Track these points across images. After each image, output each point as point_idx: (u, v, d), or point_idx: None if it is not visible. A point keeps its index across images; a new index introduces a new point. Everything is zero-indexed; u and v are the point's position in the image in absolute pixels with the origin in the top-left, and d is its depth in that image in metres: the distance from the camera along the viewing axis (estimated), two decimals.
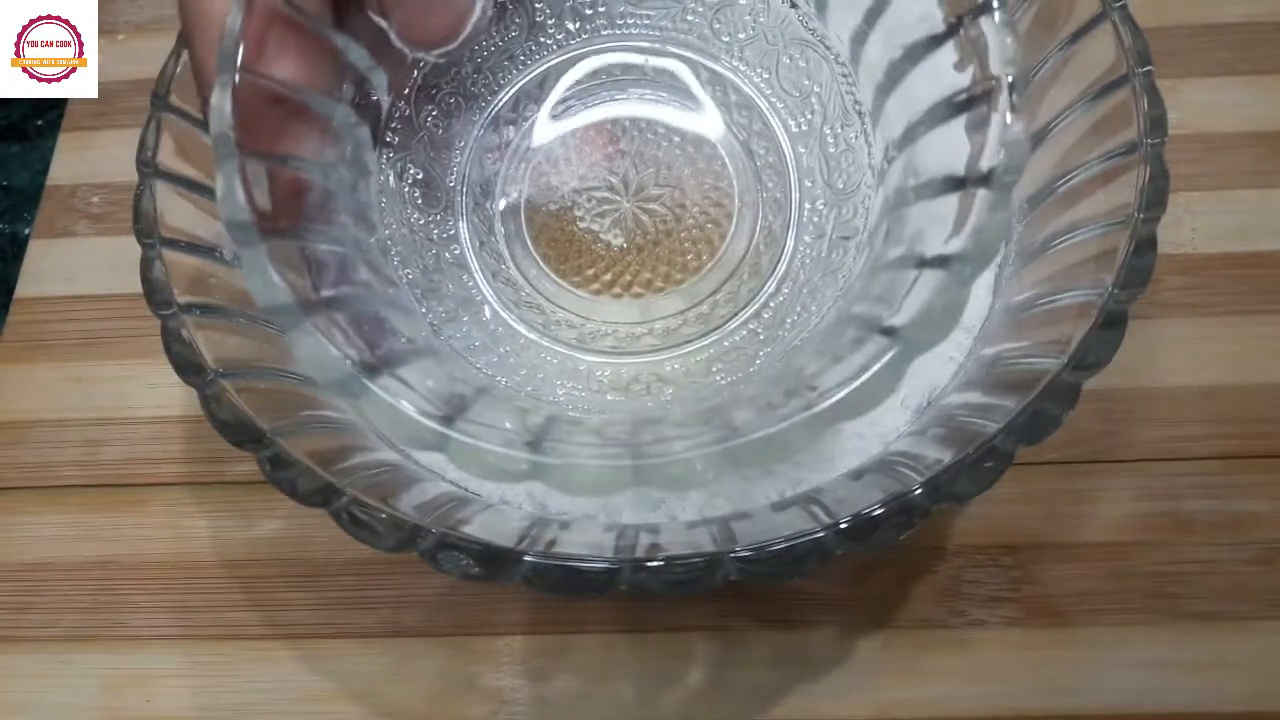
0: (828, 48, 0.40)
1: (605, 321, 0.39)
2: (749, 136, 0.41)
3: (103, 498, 0.45)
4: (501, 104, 0.41)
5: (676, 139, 0.41)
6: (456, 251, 0.40)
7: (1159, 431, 0.43)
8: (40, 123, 0.56)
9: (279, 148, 0.31)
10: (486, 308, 0.39)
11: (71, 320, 0.49)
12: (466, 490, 0.37)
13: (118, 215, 0.51)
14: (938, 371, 0.38)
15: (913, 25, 0.34)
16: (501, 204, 0.41)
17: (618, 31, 0.42)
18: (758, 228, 0.40)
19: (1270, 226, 0.47)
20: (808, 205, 0.39)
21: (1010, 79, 0.29)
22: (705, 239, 0.40)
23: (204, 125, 0.38)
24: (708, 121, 0.41)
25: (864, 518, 0.29)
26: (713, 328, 0.39)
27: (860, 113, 0.38)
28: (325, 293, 0.31)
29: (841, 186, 0.38)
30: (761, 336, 0.38)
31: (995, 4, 0.30)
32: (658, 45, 0.42)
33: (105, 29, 0.53)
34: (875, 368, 0.27)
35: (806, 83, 0.40)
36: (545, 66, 0.42)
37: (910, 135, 0.35)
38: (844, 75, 0.39)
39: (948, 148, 0.32)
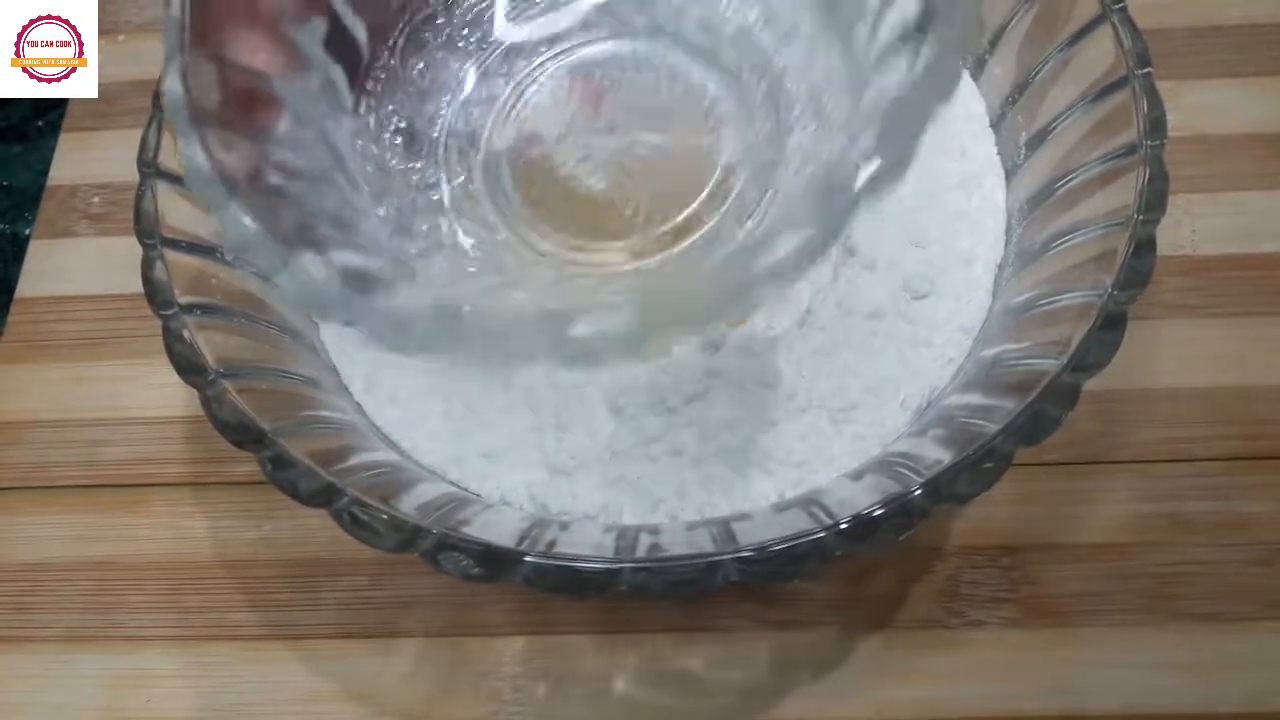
0: None
1: (589, 264, 0.38)
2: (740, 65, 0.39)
3: (103, 498, 0.45)
4: (491, 58, 0.41)
5: (664, 81, 0.41)
6: (435, 197, 0.39)
7: (1159, 432, 0.43)
8: (41, 123, 0.56)
9: (232, 54, 0.32)
10: (461, 251, 0.39)
11: (72, 320, 0.49)
12: (467, 490, 0.37)
13: (118, 215, 0.51)
14: (937, 373, 0.38)
15: None
16: (483, 153, 0.40)
17: None
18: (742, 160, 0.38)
19: (1270, 228, 0.47)
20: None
21: None
22: (694, 172, 0.38)
23: None
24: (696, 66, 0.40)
25: (864, 518, 0.29)
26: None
27: None
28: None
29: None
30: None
31: None
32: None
33: (105, 29, 0.53)
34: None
35: None
36: (535, 21, 0.42)
37: None
38: None
39: None
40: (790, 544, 0.29)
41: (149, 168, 0.37)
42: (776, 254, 0.26)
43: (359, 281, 0.30)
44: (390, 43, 0.39)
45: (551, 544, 0.31)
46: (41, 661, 0.42)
